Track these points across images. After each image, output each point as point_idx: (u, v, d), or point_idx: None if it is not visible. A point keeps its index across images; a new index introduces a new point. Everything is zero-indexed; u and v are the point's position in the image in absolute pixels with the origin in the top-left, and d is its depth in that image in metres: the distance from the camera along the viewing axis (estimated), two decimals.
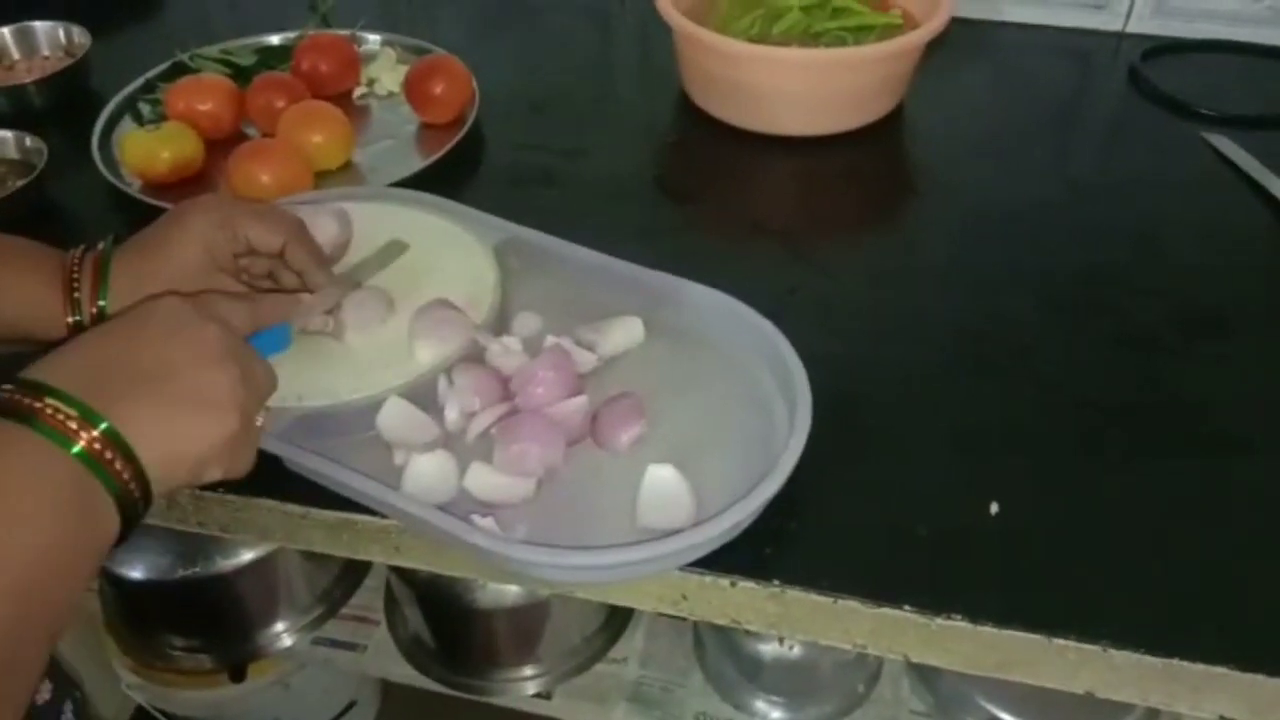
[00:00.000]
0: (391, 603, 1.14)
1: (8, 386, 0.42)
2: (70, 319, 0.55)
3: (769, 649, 0.97)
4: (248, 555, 1.03)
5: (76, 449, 0.41)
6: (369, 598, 1.15)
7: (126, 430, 0.43)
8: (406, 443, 0.57)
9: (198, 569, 1.01)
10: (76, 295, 0.56)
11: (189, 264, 0.57)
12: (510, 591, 0.98)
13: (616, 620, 1.10)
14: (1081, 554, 0.55)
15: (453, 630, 1.06)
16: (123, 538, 0.44)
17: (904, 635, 0.54)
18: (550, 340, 0.62)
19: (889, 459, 0.61)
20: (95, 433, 0.42)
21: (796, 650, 0.96)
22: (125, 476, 0.43)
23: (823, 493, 0.57)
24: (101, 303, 0.56)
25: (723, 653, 1.03)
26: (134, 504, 0.43)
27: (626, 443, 0.58)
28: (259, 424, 0.50)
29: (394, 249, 0.67)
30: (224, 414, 0.46)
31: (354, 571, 1.16)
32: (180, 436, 0.45)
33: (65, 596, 0.41)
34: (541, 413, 0.57)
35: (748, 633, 0.96)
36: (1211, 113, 0.90)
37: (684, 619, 0.61)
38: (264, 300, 0.55)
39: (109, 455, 0.42)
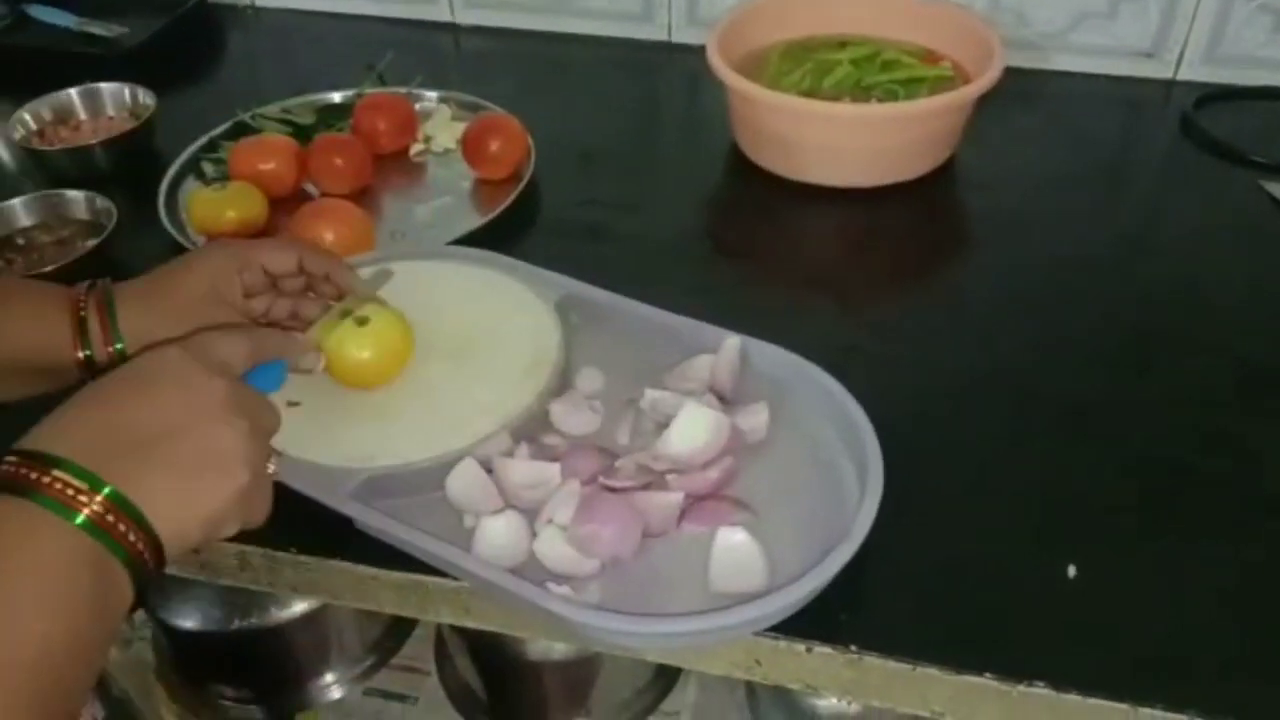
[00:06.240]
0: (442, 653, 1.14)
1: (11, 459, 0.41)
2: (81, 354, 0.55)
3: (825, 705, 0.96)
4: (300, 606, 1.03)
5: (80, 519, 0.40)
6: (419, 647, 1.16)
7: (135, 496, 0.42)
8: (476, 507, 0.58)
9: (252, 620, 1.01)
10: (86, 331, 0.55)
11: (195, 297, 0.57)
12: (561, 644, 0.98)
13: (668, 673, 1.09)
14: (1162, 619, 0.54)
15: (504, 681, 1.05)
16: (136, 603, 0.42)
17: (985, 703, 0.53)
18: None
19: (957, 519, 0.60)
20: (99, 500, 0.41)
21: (855, 707, 0.95)
22: (134, 541, 0.41)
23: (896, 555, 0.57)
24: (119, 345, 0.55)
25: (777, 708, 1.02)
26: (145, 569, 0.42)
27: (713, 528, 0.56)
28: (271, 470, 0.49)
29: (381, 276, 0.68)
30: (234, 471, 0.45)
31: (404, 622, 1.16)
32: (191, 499, 0.44)
33: (83, 673, 0.40)
34: (628, 497, 0.56)
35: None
36: (1266, 160, 0.90)
37: None
38: (260, 334, 0.54)
39: (117, 522, 0.41)
